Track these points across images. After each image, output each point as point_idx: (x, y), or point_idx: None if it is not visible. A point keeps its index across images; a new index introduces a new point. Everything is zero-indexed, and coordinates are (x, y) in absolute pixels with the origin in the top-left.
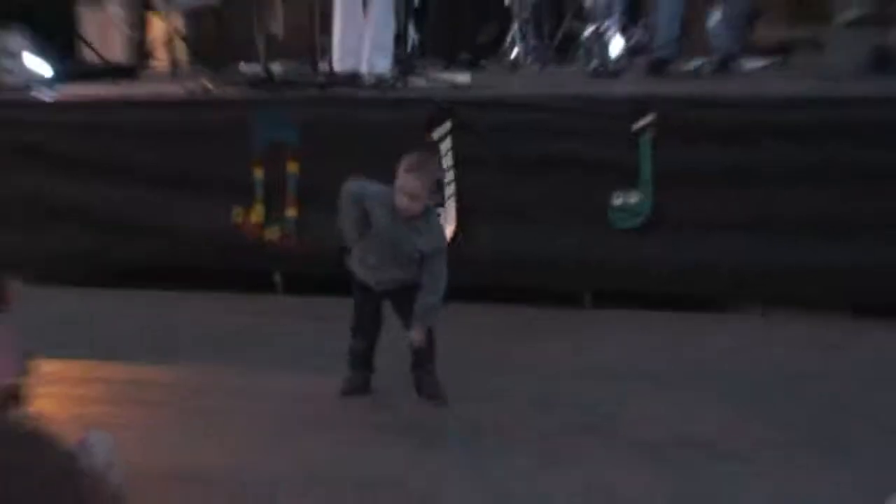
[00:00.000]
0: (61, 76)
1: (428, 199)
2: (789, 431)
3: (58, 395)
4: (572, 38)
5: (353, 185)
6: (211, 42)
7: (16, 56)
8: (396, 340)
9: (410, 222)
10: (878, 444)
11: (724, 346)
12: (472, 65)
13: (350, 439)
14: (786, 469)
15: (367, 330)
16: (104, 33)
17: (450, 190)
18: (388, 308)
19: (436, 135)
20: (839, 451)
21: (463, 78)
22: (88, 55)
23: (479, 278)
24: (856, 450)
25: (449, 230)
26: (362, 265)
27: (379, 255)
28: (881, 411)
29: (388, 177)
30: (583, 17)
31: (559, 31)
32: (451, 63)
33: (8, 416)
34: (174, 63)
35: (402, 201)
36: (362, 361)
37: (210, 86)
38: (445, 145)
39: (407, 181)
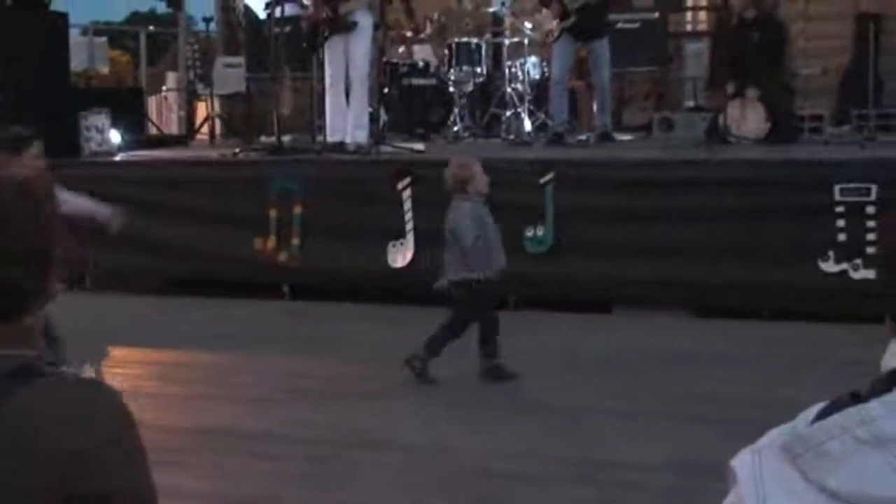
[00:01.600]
0: (131, 144)
1: None
2: (656, 398)
3: (119, 374)
4: (496, 119)
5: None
6: (239, 119)
7: (101, 130)
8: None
9: None
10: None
11: (606, 337)
12: (424, 137)
13: (318, 405)
14: (651, 418)
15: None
16: (163, 113)
17: (409, 226)
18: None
19: (399, 186)
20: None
21: (419, 146)
22: (151, 129)
23: (430, 288)
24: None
25: (408, 255)
26: (492, 261)
27: (496, 238)
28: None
29: (366, 216)
30: (503, 104)
31: (487, 114)
32: (410, 136)
33: None
34: (212, 134)
35: (486, 184)
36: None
37: (238, 151)
38: (406, 194)
39: (477, 168)
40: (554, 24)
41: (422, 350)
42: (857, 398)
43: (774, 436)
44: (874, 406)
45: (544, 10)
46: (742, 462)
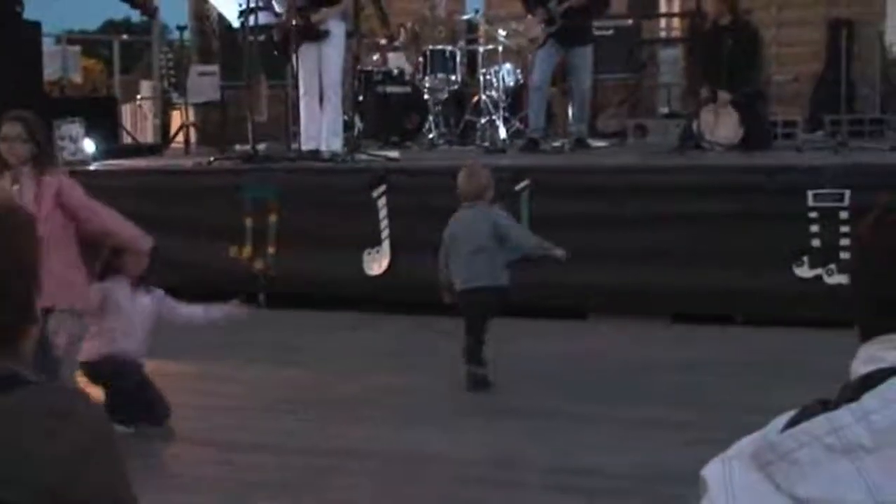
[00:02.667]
0: (106, 153)
1: None
2: (631, 404)
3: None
4: (471, 126)
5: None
6: (214, 128)
7: (75, 140)
8: None
9: None
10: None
11: (581, 344)
12: (399, 145)
13: (294, 413)
14: (627, 424)
15: None
16: (137, 122)
17: (385, 234)
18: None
19: (374, 194)
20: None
21: (394, 154)
22: (126, 138)
23: (406, 296)
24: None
25: (384, 263)
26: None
27: None
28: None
29: (342, 224)
30: (478, 111)
31: (462, 121)
32: (385, 143)
33: None
34: (187, 143)
35: None
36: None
37: (213, 159)
38: (381, 202)
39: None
40: (539, 30)
41: (470, 365)
42: (826, 405)
43: (745, 444)
44: (843, 414)
45: (529, 17)
46: (712, 471)
